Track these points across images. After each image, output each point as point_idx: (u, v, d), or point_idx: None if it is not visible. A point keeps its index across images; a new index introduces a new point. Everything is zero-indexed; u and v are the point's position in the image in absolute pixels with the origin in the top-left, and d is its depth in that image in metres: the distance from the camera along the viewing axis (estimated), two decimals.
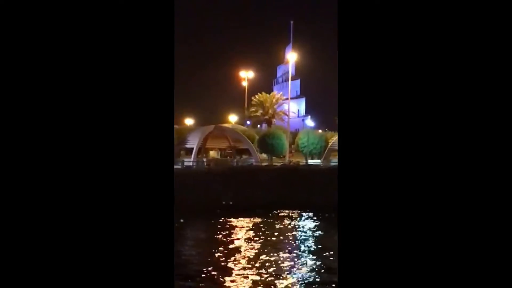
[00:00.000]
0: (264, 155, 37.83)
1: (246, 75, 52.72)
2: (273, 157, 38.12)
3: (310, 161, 37.20)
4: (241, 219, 23.44)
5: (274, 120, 45.45)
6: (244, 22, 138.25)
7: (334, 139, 39.24)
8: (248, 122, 50.72)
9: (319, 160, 37.52)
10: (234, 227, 21.79)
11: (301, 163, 34.98)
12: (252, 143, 36.86)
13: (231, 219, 23.41)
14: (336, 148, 39.90)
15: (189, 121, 57.34)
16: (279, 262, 14.85)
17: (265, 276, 13.13)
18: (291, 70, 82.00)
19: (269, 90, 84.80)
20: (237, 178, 28.09)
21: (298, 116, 79.05)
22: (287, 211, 25.83)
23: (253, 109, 43.01)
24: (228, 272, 13.61)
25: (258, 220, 23.34)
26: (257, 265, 14.36)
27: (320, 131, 44.34)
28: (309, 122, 75.25)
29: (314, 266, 14.43)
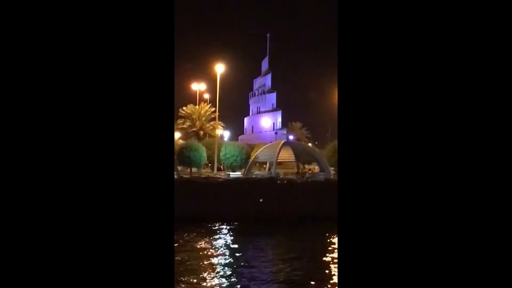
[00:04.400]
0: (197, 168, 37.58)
1: (198, 87, 52.55)
2: (207, 170, 37.76)
3: (232, 174, 36.69)
4: None
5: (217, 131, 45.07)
6: (220, 34, 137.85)
7: (256, 152, 38.74)
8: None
9: (239, 173, 37.04)
10: None
11: (210, 175, 34.57)
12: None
13: None
14: (259, 160, 39.36)
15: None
16: None
17: None
18: (267, 83, 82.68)
19: (244, 103, 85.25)
20: None
21: (273, 129, 78.58)
22: None
23: (181, 121, 42.74)
24: None
25: None
26: None
27: (241, 143, 43.73)
28: (281, 136, 74.59)
29: None
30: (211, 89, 61.85)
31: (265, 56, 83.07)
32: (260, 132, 78.15)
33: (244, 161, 37.85)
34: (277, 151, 37.20)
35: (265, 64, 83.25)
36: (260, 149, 39.32)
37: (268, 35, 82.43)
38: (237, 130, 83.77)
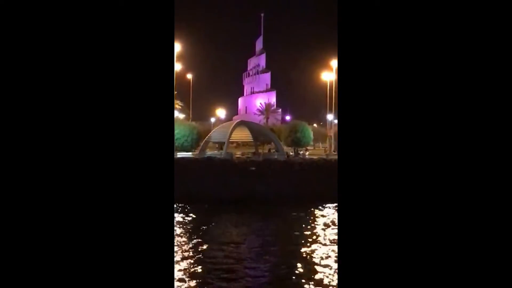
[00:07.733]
0: None
1: (175, 68, 51.88)
2: None
3: (180, 154, 36.17)
4: None
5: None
6: (215, 15, 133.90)
7: (211, 132, 38.01)
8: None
9: (190, 153, 36.45)
10: None
11: None
12: None
13: None
14: (212, 140, 38.64)
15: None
16: None
17: None
18: (261, 63, 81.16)
19: (239, 83, 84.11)
20: None
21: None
22: None
23: None
24: None
25: None
26: None
27: (193, 123, 42.91)
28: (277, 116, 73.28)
29: None
30: (196, 68, 61.30)
31: (259, 36, 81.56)
32: (254, 112, 77.15)
33: (195, 141, 37.22)
34: (230, 131, 36.40)
35: (259, 44, 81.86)
36: (214, 129, 38.62)
37: (262, 14, 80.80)
38: (233, 110, 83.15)
